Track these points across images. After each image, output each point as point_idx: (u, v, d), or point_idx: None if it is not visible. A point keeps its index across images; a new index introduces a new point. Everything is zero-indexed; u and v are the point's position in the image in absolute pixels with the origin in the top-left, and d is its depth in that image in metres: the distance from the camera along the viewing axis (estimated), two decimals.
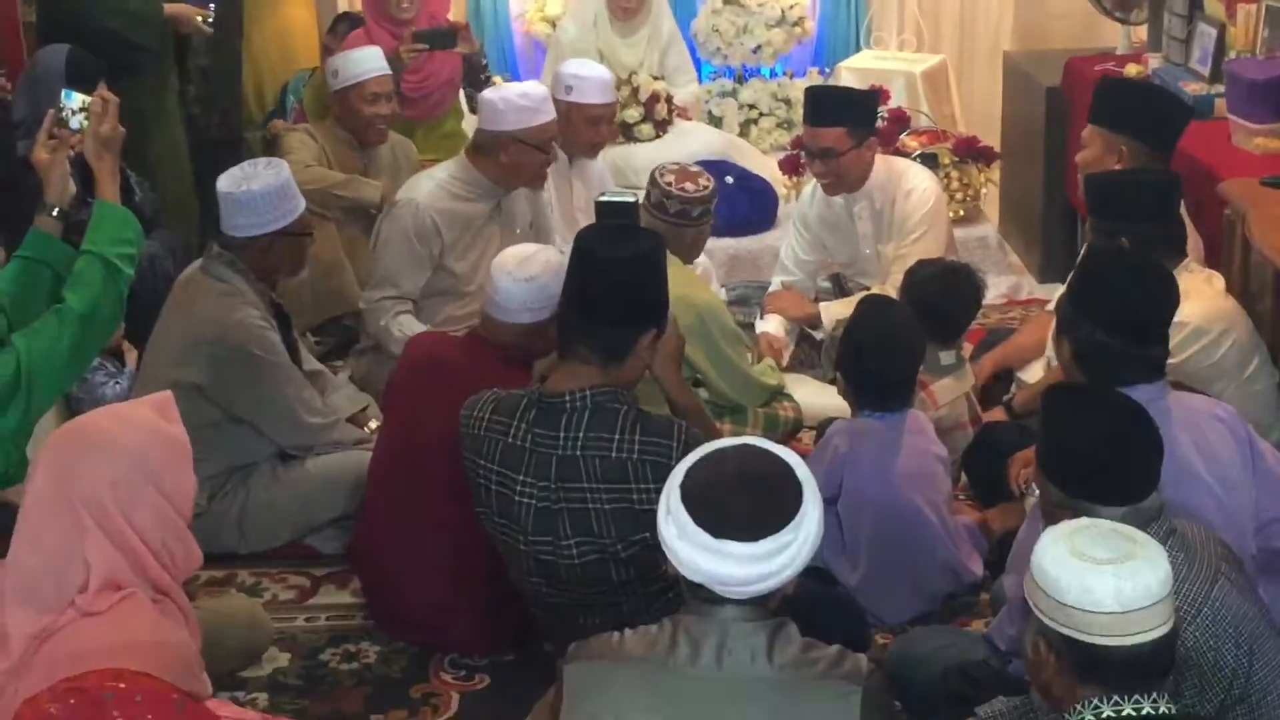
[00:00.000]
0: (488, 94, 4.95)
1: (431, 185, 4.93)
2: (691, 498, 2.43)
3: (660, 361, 3.48)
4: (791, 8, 7.41)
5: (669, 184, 4.46)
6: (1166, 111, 4.49)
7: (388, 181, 5.62)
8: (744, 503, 2.42)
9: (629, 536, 3.25)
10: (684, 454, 2.67)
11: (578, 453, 3.26)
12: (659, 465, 3.16)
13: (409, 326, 4.78)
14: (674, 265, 4.39)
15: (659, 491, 2.54)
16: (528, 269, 3.81)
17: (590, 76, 5.40)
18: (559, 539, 3.31)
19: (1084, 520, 2.48)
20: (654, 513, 2.53)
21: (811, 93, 5.12)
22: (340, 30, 6.50)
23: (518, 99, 4.84)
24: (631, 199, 4.19)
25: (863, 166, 4.99)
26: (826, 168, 4.97)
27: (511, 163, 4.87)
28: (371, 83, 5.61)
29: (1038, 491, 3.01)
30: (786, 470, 2.48)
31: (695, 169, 4.59)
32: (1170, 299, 3.33)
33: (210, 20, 5.63)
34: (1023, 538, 3.32)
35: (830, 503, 3.72)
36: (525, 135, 4.82)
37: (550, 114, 4.90)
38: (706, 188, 4.49)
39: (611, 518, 3.24)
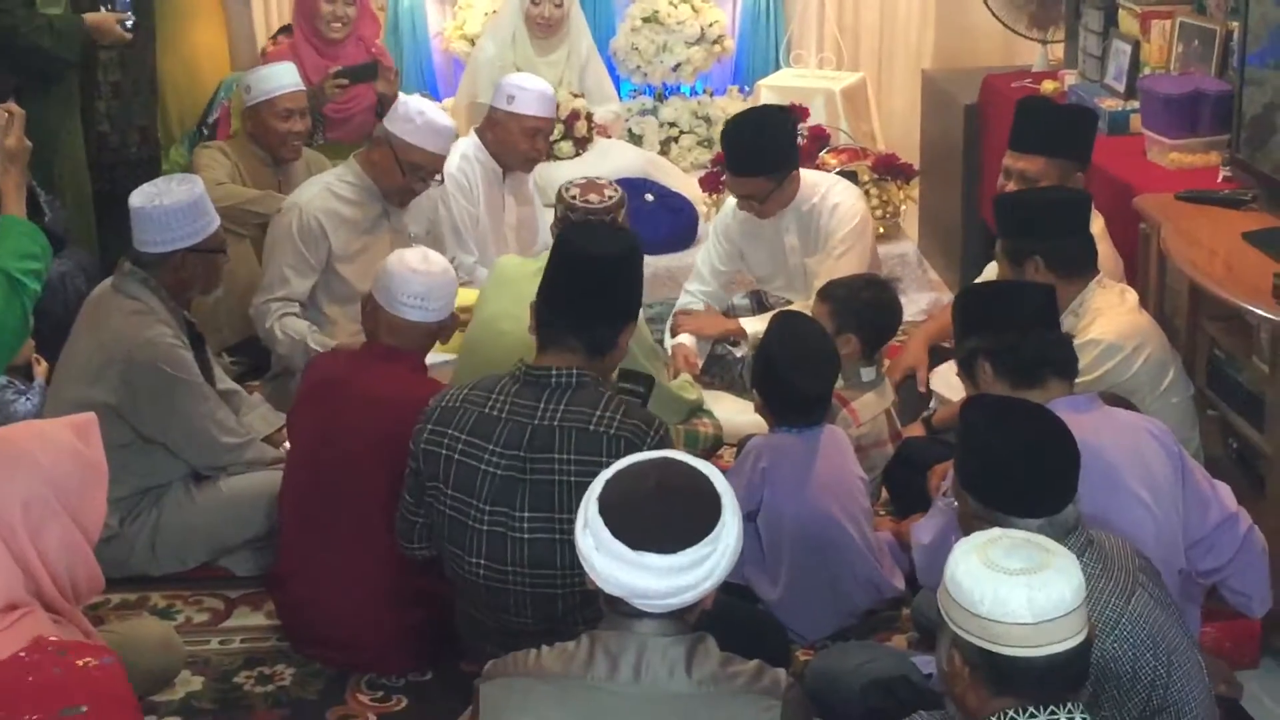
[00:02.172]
0: (409, 103, 4.97)
1: (317, 188, 4.96)
2: (610, 509, 2.42)
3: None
4: (711, 25, 7.41)
5: (574, 197, 4.44)
6: (1082, 125, 4.55)
7: None
8: (662, 515, 2.40)
9: None
10: (657, 446, 2.77)
11: (555, 423, 3.27)
12: (633, 446, 3.17)
13: (293, 327, 4.81)
14: None
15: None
16: (434, 263, 3.87)
17: (532, 89, 5.44)
18: (514, 510, 3.29)
19: (996, 531, 2.47)
20: None
21: (727, 142, 5.01)
22: (280, 39, 6.45)
23: (436, 117, 4.92)
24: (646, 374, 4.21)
25: (786, 197, 4.99)
26: (751, 207, 5.00)
27: (402, 178, 4.93)
28: (285, 98, 5.57)
29: (955, 502, 3.01)
30: (705, 483, 2.46)
31: (601, 181, 4.55)
32: (1050, 296, 3.48)
33: (129, 25, 5.53)
34: (934, 544, 3.34)
35: (750, 518, 3.72)
36: (421, 161, 4.90)
37: (447, 149, 4.99)
38: (612, 197, 4.45)
39: (576, 492, 3.10)
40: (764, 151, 4.93)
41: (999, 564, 2.33)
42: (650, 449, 3.00)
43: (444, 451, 3.37)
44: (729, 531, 2.43)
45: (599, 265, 3.34)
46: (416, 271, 3.81)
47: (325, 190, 4.93)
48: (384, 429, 3.64)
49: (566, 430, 3.26)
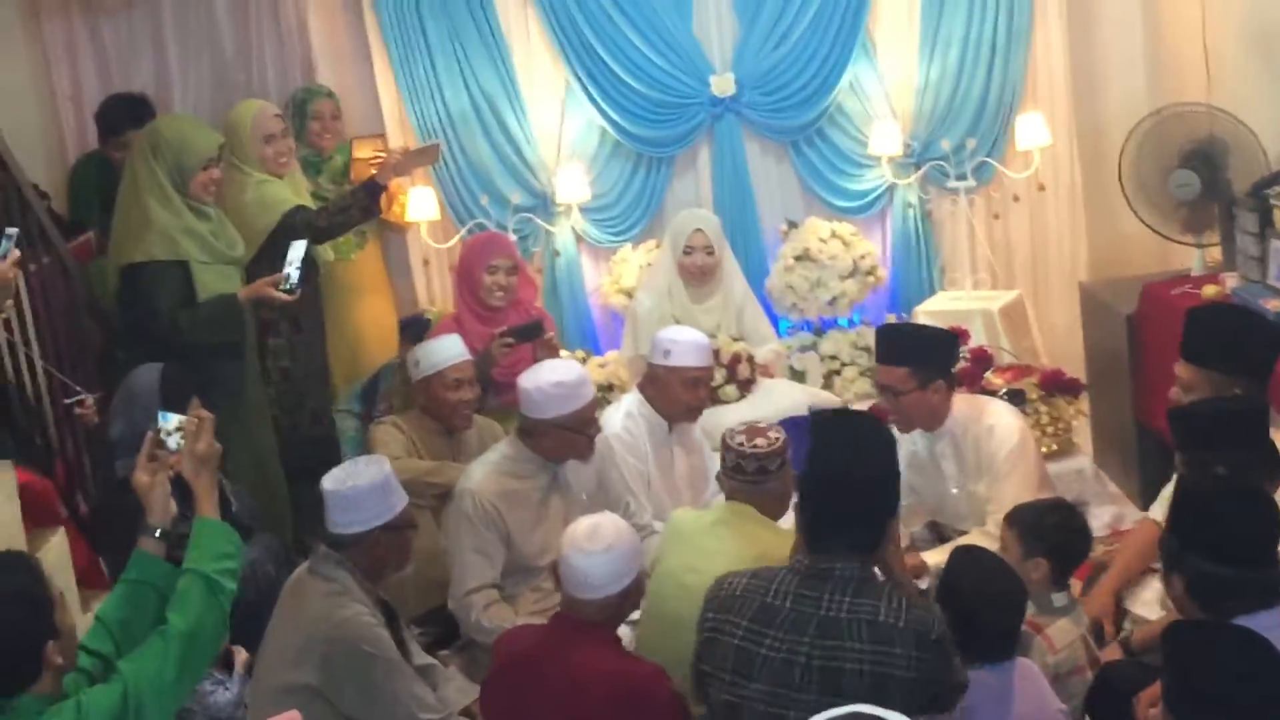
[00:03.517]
0: (525, 383, 5.02)
1: (485, 470, 5.03)
2: None
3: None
4: (863, 258, 7.48)
5: (740, 444, 4.48)
6: (1261, 342, 4.46)
7: None
8: None
9: (864, 694, 3.33)
10: (941, 629, 3.33)
11: (842, 615, 3.44)
12: (922, 636, 3.39)
13: (500, 617, 4.81)
14: (764, 525, 4.41)
15: (919, 661, 3.20)
16: (600, 540, 3.87)
17: (686, 340, 5.53)
18: (791, 692, 3.44)
19: None
20: (913, 680, 3.22)
21: (879, 331, 5.21)
22: (408, 337, 6.58)
23: (552, 388, 4.94)
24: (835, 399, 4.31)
25: (929, 407, 4.99)
26: (892, 405, 5.00)
27: (556, 445, 4.97)
28: (452, 370, 5.68)
29: None
30: None
31: (763, 425, 4.61)
32: (1273, 519, 3.29)
33: (289, 287, 5.59)
34: None
35: None
36: (564, 421, 4.92)
37: (587, 397, 5.00)
38: (778, 439, 4.50)
39: (865, 680, 3.38)
40: (910, 341, 5.07)
41: None
42: (936, 636, 3.38)
43: (723, 638, 3.54)
44: None
45: (859, 483, 3.54)
46: (588, 554, 3.84)
47: (494, 471, 5.01)
48: (584, 711, 3.64)
49: (855, 622, 3.42)
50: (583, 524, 3.97)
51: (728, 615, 3.58)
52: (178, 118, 6.36)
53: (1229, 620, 3.05)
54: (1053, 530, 4.34)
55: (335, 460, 4.89)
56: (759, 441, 4.48)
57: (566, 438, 4.97)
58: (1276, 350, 4.41)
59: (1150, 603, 4.54)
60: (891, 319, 7.47)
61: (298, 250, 5.58)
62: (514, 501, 4.95)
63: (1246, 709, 2.70)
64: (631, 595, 3.95)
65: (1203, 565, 3.23)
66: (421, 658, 4.58)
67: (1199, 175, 6.09)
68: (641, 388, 5.68)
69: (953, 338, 5.57)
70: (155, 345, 5.43)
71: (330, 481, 4.26)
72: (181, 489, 3.64)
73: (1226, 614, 3.10)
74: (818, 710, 3.32)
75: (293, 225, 5.92)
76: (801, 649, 3.44)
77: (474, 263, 6.46)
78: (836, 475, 3.55)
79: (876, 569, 3.63)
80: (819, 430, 3.84)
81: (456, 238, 7.47)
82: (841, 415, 4.14)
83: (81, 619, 4.03)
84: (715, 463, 4.95)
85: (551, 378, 4.97)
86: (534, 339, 6.27)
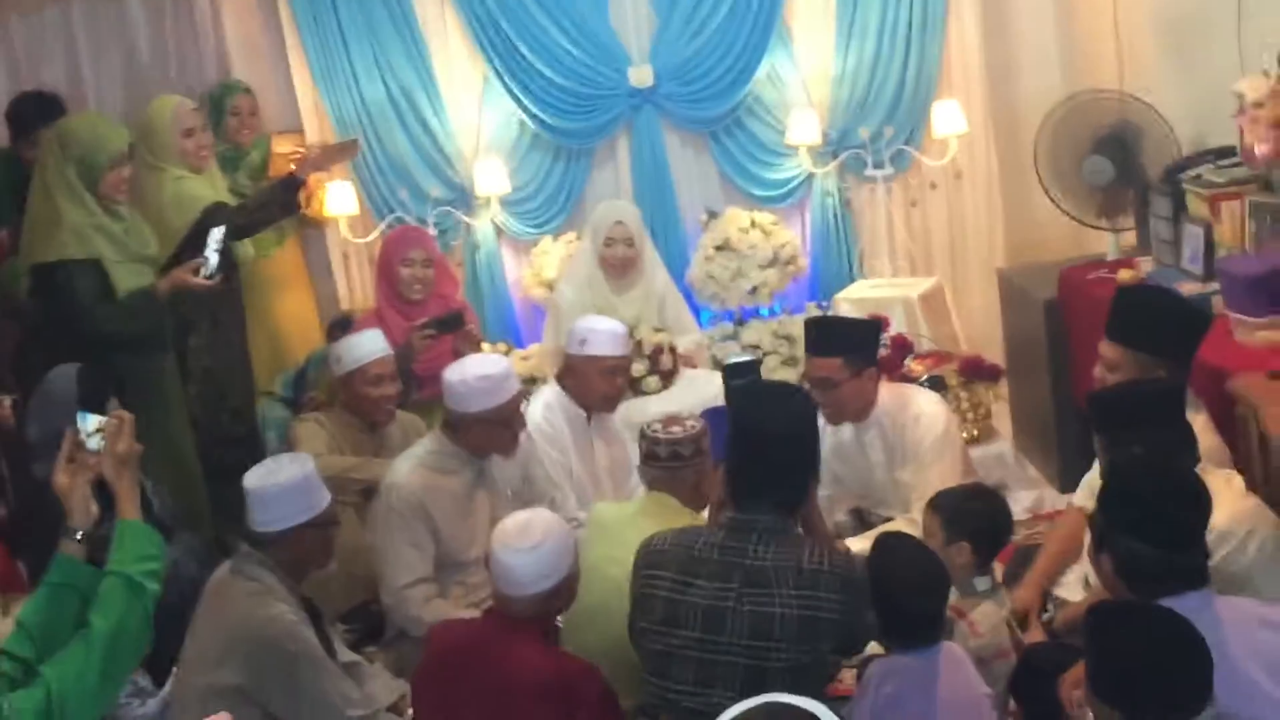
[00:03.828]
0: (450, 376, 4.99)
1: (411, 464, 5.01)
2: None
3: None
4: (783, 247, 7.51)
5: (655, 431, 4.53)
6: (1186, 325, 4.51)
7: None
8: None
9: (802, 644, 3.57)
10: (860, 572, 3.58)
11: (767, 563, 3.61)
12: (847, 579, 3.61)
13: (442, 612, 4.79)
14: (685, 515, 4.43)
15: (842, 603, 3.44)
16: (529, 537, 3.86)
17: (603, 329, 5.54)
18: (719, 638, 3.61)
19: None
20: (837, 622, 3.47)
21: (809, 323, 5.22)
22: (335, 335, 6.55)
23: (477, 382, 4.91)
24: (750, 358, 4.38)
25: (863, 397, 5.02)
26: (825, 398, 5.00)
27: (481, 439, 4.95)
28: (373, 365, 5.64)
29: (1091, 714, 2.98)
30: None
31: (681, 415, 4.68)
32: (1201, 502, 3.33)
33: (208, 273, 5.49)
34: None
35: None
36: (489, 415, 4.91)
37: (512, 390, 4.98)
38: (694, 427, 4.54)
39: (797, 623, 3.58)
40: (841, 331, 5.12)
41: None
42: (855, 579, 3.61)
43: (649, 592, 3.72)
44: None
45: (777, 440, 3.68)
46: (516, 551, 3.83)
47: (419, 465, 4.99)
48: (516, 706, 3.64)
49: (781, 569, 3.59)
50: (514, 520, 3.96)
51: (655, 571, 3.73)
52: (86, 116, 6.26)
53: (1154, 601, 3.08)
54: (975, 515, 4.36)
55: (257, 458, 4.84)
56: (674, 429, 4.52)
57: (491, 432, 4.96)
58: (1200, 334, 4.46)
59: (1072, 585, 4.58)
60: (812, 308, 7.49)
61: (216, 236, 5.51)
62: (440, 496, 4.93)
63: (1167, 689, 2.73)
64: (562, 593, 3.93)
65: (1132, 545, 3.27)
66: (347, 655, 4.56)
67: (1112, 161, 6.15)
68: (559, 378, 5.68)
69: (877, 325, 5.61)
70: (74, 344, 5.35)
71: (252, 479, 4.23)
72: (102, 490, 3.60)
73: (1152, 594, 3.13)
74: (748, 654, 3.47)
75: (212, 223, 5.86)
76: (729, 596, 3.59)
77: (390, 257, 6.45)
78: (756, 432, 3.70)
79: (800, 528, 3.82)
80: (739, 395, 4.05)
81: (376, 232, 7.44)
82: (760, 381, 4.23)
83: (1, 623, 3.97)
84: (637, 455, 4.96)
85: (477, 371, 4.95)
86: (455, 330, 6.25)
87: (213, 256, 5.49)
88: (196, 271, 5.51)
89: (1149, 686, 2.76)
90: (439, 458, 5.00)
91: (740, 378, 4.54)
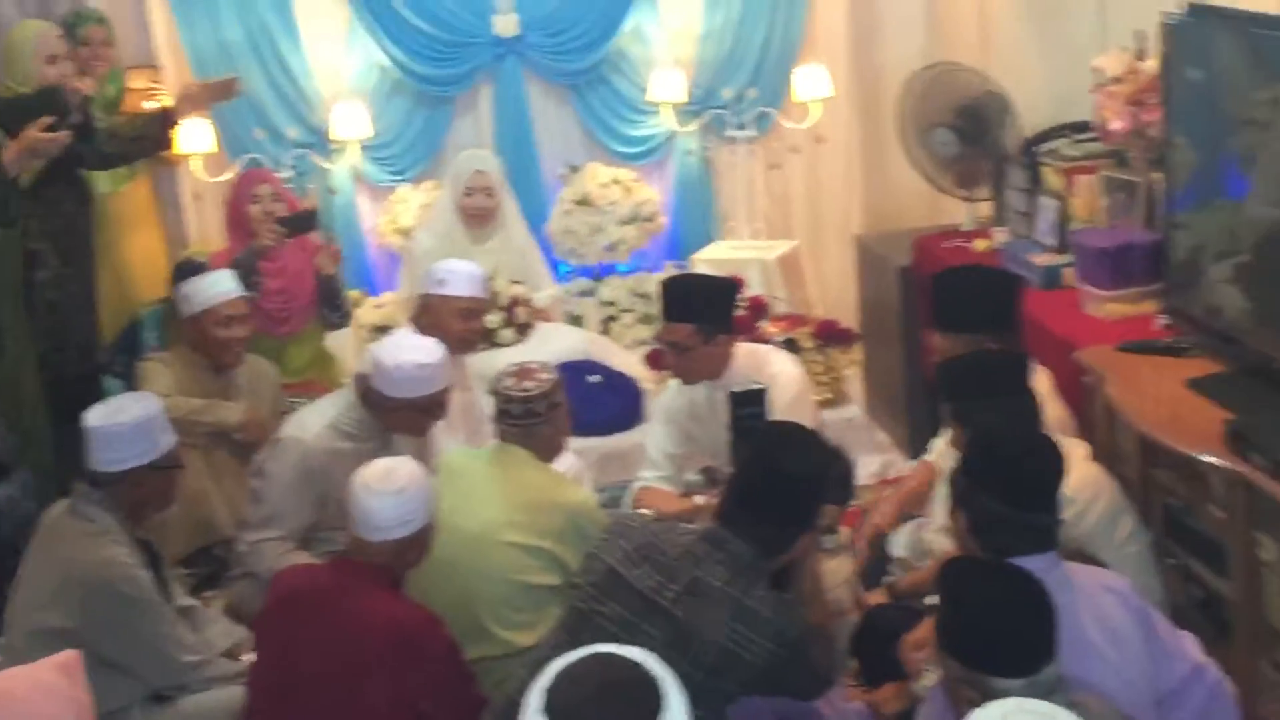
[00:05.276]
0: (385, 359, 4.78)
1: (321, 425, 4.87)
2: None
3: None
4: (643, 204, 7.49)
5: (507, 387, 4.45)
6: (997, 294, 4.58)
7: (248, 403, 5.56)
8: (609, 715, 2.43)
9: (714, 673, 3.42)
10: (801, 633, 3.48)
11: (715, 583, 3.50)
12: (780, 633, 3.44)
13: (297, 561, 4.67)
14: (537, 468, 4.39)
15: (770, 654, 3.35)
16: (393, 481, 3.78)
17: (461, 271, 5.49)
18: (640, 624, 3.49)
19: (1009, 703, 2.50)
20: (756, 668, 3.36)
21: (665, 284, 5.14)
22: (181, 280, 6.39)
23: (415, 370, 4.74)
24: (760, 387, 4.58)
25: (715, 361, 5.00)
26: (678, 361, 5.00)
27: (401, 421, 4.87)
28: (224, 306, 5.53)
29: (937, 670, 3.01)
30: (640, 673, 2.48)
31: (532, 365, 4.58)
32: (1056, 466, 3.39)
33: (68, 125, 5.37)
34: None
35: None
36: (418, 402, 4.81)
37: (443, 380, 4.86)
38: (547, 380, 4.47)
39: (714, 649, 3.43)
40: (695, 296, 5.02)
41: None
42: (794, 636, 3.45)
43: (604, 555, 3.64)
44: (675, 712, 2.44)
45: (782, 477, 3.60)
46: (378, 494, 3.76)
47: (329, 428, 4.85)
48: (358, 653, 3.60)
49: (725, 596, 3.47)
50: (378, 464, 3.89)
51: (617, 538, 3.67)
52: None
53: (1005, 559, 3.13)
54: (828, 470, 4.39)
55: (100, 397, 4.72)
56: (527, 384, 4.44)
57: (414, 417, 4.85)
58: (1013, 298, 4.56)
59: (915, 548, 4.63)
60: (670, 267, 7.49)
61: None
62: (341, 462, 4.68)
63: (1014, 645, 2.78)
64: (418, 543, 3.86)
65: (989, 504, 3.32)
66: (184, 600, 4.48)
67: (963, 133, 6.21)
68: (415, 319, 5.60)
69: (734, 286, 5.60)
70: None
71: (95, 417, 4.12)
72: None
73: (1004, 553, 3.18)
74: (662, 648, 3.37)
75: (79, 153, 5.69)
76: (668, 594, 3.49)
77: (239, 196, 6.34)
78: (770, 459, 3.64)
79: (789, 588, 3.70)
80: (775, 426, 4.12)
81: (230, 173, 7.28)
82: (800, 426, 4.14)
83: None
84: (488, 403, 4.91)
85: (415, 358, 4.76)
86: (307, 230, 6.18)
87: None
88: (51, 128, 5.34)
89: (997, 641, 2.80)
90: (350, 423, 4.87)
91: (748, 407, 4.49)
